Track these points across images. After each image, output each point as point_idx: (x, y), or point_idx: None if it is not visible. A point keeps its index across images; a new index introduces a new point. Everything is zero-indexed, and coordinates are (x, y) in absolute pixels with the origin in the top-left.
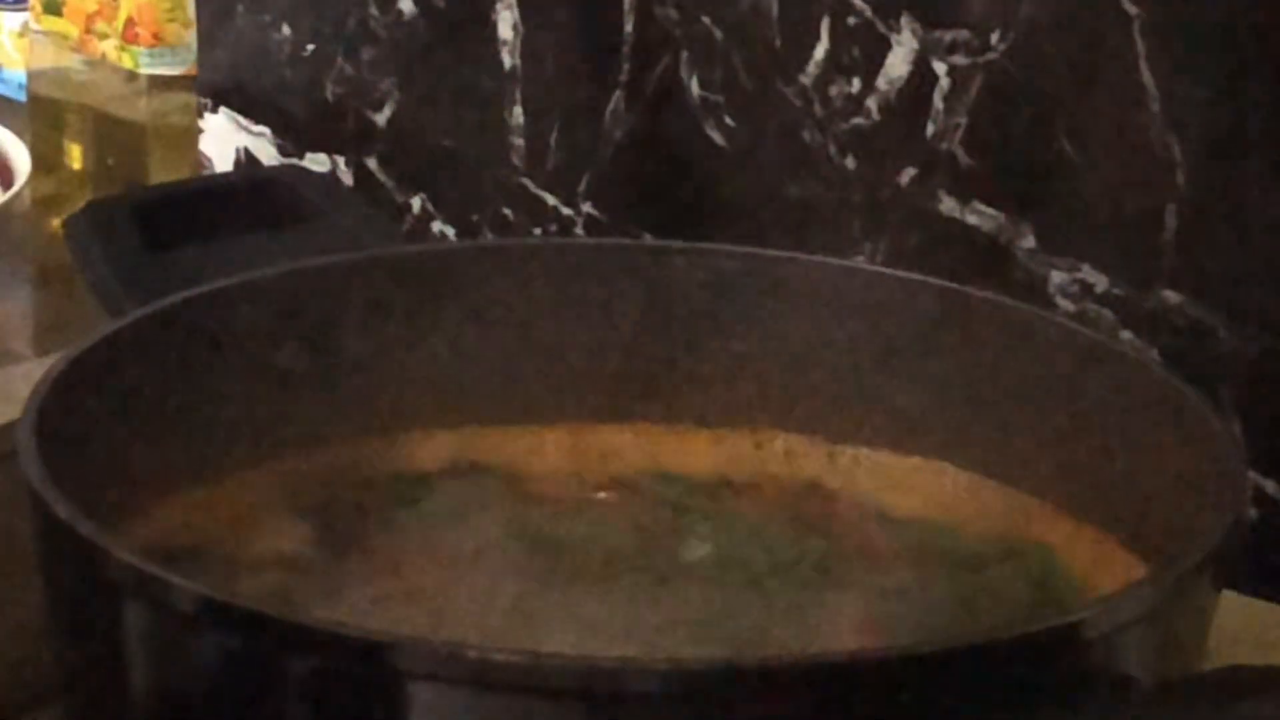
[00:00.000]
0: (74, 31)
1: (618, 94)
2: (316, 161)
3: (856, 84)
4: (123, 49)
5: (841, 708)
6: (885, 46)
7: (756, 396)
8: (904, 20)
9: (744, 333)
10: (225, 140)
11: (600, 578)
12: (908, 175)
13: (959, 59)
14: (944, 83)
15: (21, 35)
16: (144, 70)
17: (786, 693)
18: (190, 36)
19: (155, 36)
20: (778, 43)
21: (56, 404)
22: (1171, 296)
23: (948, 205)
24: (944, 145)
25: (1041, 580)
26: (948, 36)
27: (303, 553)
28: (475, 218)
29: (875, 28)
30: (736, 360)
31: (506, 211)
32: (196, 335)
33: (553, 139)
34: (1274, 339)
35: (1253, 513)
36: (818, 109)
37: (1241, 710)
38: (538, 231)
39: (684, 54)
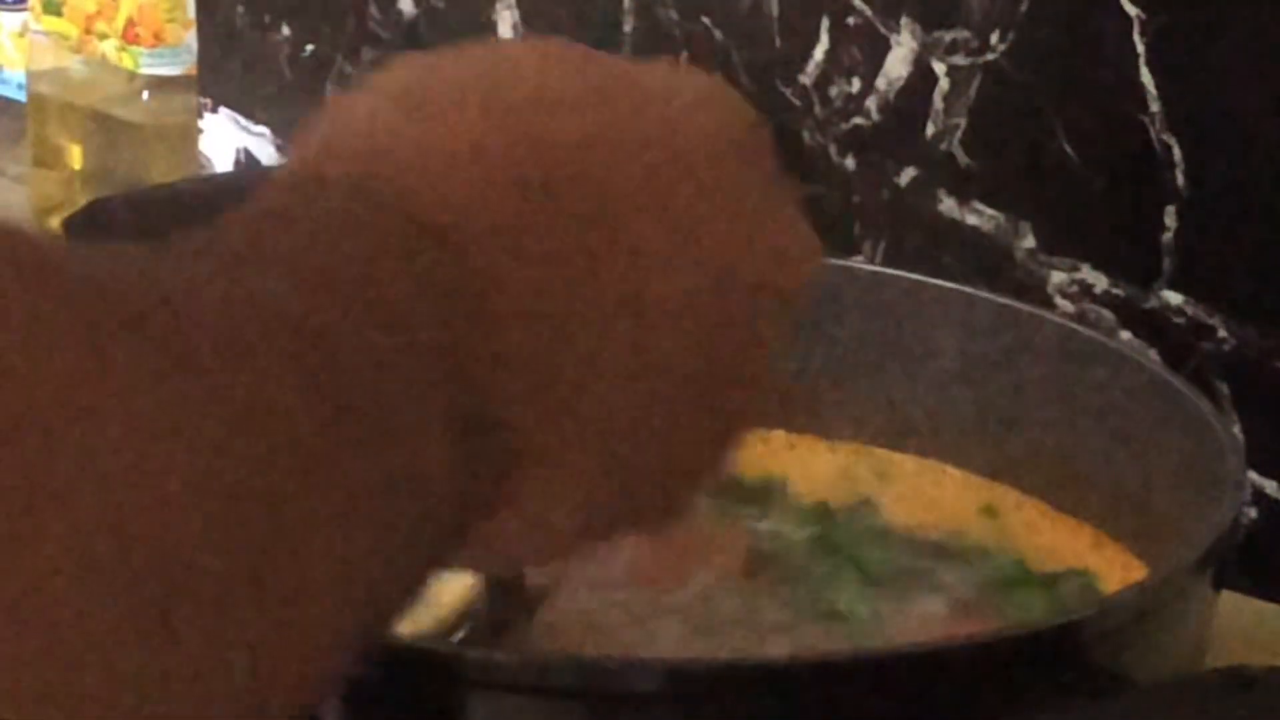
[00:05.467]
0: (74, 31)
1: None
2: None
3: (856, 84)
4: (123, 49)
5: (841, 707)
6: (885, 46)
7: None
8: (904, 20)
9: None
10: (225, 140)
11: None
12: (908, 175)
13: (959, 59)
14: (944, 83)
15: (21, 35)
16: (144, 70)
17: (786, 693)
18: (190, 36)
19: (155, 36)
20: (778, 43)
21: None
22: (1171, 296)
23: (948, 205)
24: (944, 145)
25: (1040, 579)
26: (948, 36)
27: None
28: None
29: (875, 28)
30: None
31: None
32: None
33: None
34: (1274, 339)
35: (1253, 513)
36: (818, 109)
37: (1241, 710)
38: None
39: (684, 54)
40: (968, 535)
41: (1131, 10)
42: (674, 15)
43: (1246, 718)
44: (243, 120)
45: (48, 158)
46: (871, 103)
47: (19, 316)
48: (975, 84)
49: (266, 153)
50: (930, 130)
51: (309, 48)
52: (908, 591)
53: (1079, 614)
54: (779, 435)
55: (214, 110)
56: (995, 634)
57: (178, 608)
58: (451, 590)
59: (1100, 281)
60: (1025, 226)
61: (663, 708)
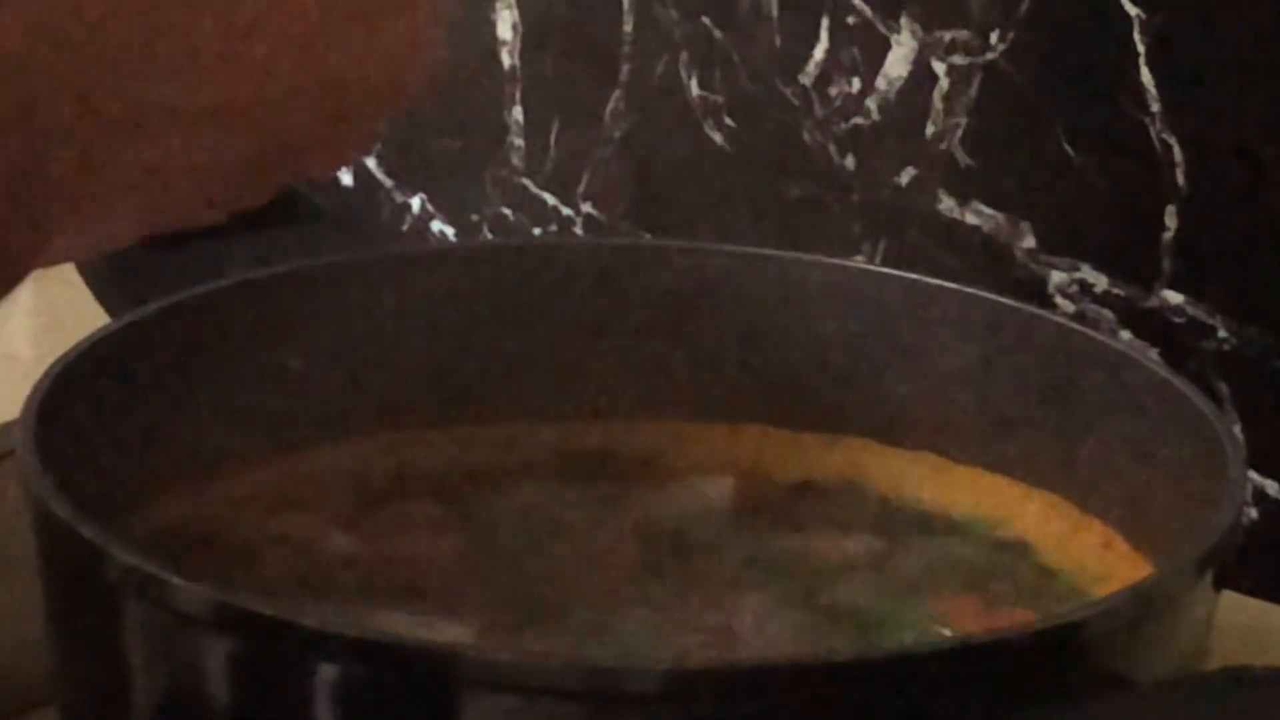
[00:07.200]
0: None
1: (618, 94)
2: None
3: (856, 84)
4: None
5: (841, 708)
6: (885, 46)
7: (757, 396)
8: (904, 20)
9: (744, 333)
10: None
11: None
12: (908, 175)
13: (959, 59)
14: (943, 83)
15: None
16: None
17: (786, 693)
18: None
19: None
20: (778, 43)
21: (56, 404)
22: (1171, 296)
23: (947, 205)
24: (944, 145)
25: (1041, 580)
26: (947, 36)
27: (298, 551)
28: (475, 218)
29: (875, 28)
30: (737, 359)
31: (506, 211)
32: (195, 335)
33: (553, 139)
34: (1274, 339)
35: (1253, 513)
36: (818, 109)
37: (1241, 710)
38: (538, 231)
39: (684, 54)
40: (969, 534)
41: (1131, 10)
42: (674, 15)
43: (1246, 718)
44: None
45: None
46: (871, 103)
47: None
48: (975, 84)
49: None
50: (930, 130)
51: None
52: (913, 587)
53: (1079, 614)
54: (781, 433)
55: None
56: (995, 634)
57: None
58: None
59: (1100, 281)
60: (1025, 226)
61: (663, 708)
